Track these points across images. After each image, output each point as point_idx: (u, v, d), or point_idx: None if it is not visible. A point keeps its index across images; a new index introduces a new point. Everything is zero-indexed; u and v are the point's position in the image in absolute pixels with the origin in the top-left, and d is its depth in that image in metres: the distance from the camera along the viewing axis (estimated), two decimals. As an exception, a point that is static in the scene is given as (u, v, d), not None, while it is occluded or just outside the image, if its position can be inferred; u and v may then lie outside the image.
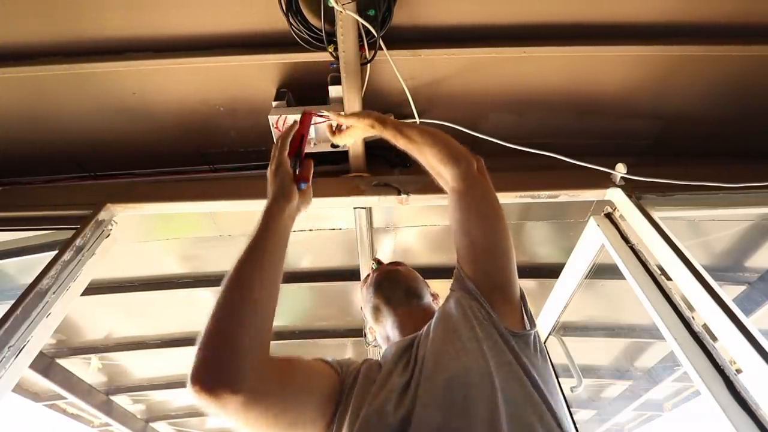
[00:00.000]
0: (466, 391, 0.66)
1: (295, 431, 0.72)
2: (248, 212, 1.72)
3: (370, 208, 1.59)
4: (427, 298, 1.06)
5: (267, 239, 0.74)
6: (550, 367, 0.80)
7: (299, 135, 0.91)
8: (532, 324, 0.81)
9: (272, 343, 0.69)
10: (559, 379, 1.96)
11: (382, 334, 1.03)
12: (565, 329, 2.03)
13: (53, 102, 1.39)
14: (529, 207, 1.74)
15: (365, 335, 1.26)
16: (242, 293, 0.67)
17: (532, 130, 1.47)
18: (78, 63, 1.25)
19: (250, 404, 0.62)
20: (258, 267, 0.70)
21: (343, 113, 1.14)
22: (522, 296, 0.85)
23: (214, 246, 1.89)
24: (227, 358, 0.61)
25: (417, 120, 1.36)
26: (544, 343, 2.07)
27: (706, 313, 1.04)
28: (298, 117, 1.02)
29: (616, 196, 1.36)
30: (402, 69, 1.20)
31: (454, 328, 0.78)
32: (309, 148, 1.39)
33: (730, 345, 0.97)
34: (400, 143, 1.01)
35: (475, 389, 0.66)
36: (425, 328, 0.85)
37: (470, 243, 0.88)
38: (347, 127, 1.11)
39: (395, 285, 1.04)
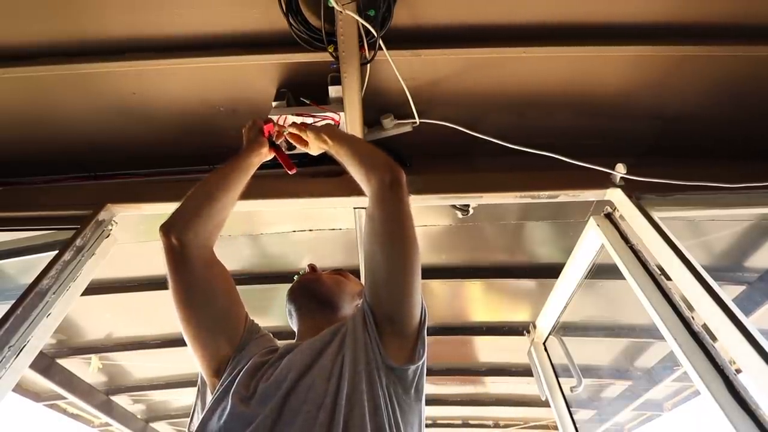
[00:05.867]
0: (301, 407, 0.69)
1: (200, 336, 0.87)
2: (248, 212, 1.73)
3: (370, 208, 1.59)
4: (345, 310, 1.06)
5: (234, 165, 1.03)
6: (422, 404, 0.80)
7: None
8: (420, 356, 0.79)
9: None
10: (559, 379, 1.96)
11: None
12: (565, 329, 2.03)
13: (53, 102, 1.39)
14: (529, 207, 1.73)
15: None
16: (206, 189, 0.97)
17: (532, 130, 1.46)
18: (78, 63, 1.25)
19: (181, 260, 0.86)
20: (222, 177, 1.00)
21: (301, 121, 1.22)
22: (420, 327, 0.82)
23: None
24: (186, 216, 0.91)
25: (417, 120, 1.36)
26: (545, 342, 2.07)
27: (705, 313, 1.03)
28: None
29: (615, 196, 1.36)
30: (402, 69, 1.20)
31: (322, 348, 0.81)
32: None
33: (730, 345, 0.97)
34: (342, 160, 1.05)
35: (311, 406, 0.69)
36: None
37: (371, 269, 0.86)
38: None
39: (307, 294, 1.06)
